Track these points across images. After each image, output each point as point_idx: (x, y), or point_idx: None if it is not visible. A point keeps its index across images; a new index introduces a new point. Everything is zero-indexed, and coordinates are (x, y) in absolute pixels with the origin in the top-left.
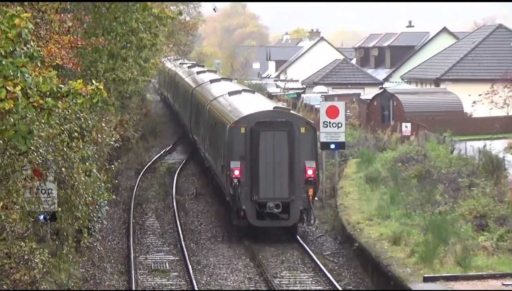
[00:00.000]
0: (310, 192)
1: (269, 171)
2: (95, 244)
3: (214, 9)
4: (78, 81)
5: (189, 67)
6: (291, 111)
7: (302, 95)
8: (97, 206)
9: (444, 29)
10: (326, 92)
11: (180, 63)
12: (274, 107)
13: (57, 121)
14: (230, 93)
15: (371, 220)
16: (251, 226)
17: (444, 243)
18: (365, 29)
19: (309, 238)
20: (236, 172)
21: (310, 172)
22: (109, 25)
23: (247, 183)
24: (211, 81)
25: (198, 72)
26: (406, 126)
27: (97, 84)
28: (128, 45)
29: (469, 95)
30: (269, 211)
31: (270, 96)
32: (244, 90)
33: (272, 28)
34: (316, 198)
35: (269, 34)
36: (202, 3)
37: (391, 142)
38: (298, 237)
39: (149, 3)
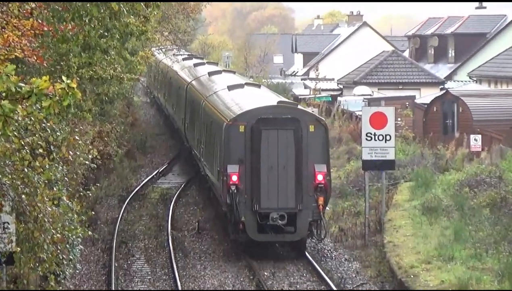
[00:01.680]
0: (321, 200)
1: (272, 177)
2: None
3: None
4: (44, 78)
5: (184, 59)
6: (299, 107)
7: (339, 98)
8: (67, 245)
9: None
10: (370, 95)
11: (174, 54)
12: (278, 102)
13: (15, 133)
14: (230, 88)
15: (429, 262)
16: (252, 241)
17: None
18: (421, 12)
19: (347, 286)
20: (234, 178)
21: (320, 178)
22: (82, 6)
23: (247, 191)
24: (210, 74)
25: (195, 65)
26: (475, 140)
27: (69, 82)
28: (109, 33)
29: None
30: (273, 223)
31: (297, 99)
32: (247, 83)
33: (299, 10)
34: (327, 208)
35: (295, 19)
36: None
37: (456, 160)
38: (330, 283)
39: None
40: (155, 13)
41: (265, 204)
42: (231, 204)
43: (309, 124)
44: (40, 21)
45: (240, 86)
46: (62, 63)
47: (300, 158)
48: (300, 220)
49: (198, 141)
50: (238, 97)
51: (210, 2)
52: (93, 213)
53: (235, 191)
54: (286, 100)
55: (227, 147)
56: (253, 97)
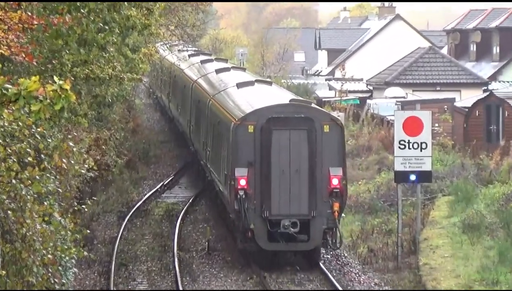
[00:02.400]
0: (336, 206)
1: (283, 181)
2: None
3: None
4: (33, 78)
5: (190, 55)
6: (312, 105)
7: (368, 101)
8: (60, 267)
9: None
10: (403, 97)
11: (179, 50)
12: (290, 100)
13: (0, 140)
14: (239, 85)
15: (471, 287)
16: (261, 250)
17: None
18: (461, 4)
19: None
20: (242, 182)
21: (335, 182)
22: None
23: (256, 196)
24: (217, 71)
25: (202, 62)
26: None
27: (61, 82)
28: (108, 27)
29: None
30: (284, 231)
31: (321, 102)
32: (257, 81)
33: (323, 2)
34: (343, 215)
35: (319, 11)
36: None
37: (501, 171)
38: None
39: None
40: (158, 5)
41: (276, 210)
42: (239, 210)
43: (323, 124)
44: (29, 14)
45: (250, 83)
46: (54, 61)
47: (313, 160)
48: (313, 227)
49: (204, 144)
50: (248, 95)
51: None
52: (88, 231)
53: (244, 196)
54: (299, 98)
55: (235, 148)
56: (264, 95)
